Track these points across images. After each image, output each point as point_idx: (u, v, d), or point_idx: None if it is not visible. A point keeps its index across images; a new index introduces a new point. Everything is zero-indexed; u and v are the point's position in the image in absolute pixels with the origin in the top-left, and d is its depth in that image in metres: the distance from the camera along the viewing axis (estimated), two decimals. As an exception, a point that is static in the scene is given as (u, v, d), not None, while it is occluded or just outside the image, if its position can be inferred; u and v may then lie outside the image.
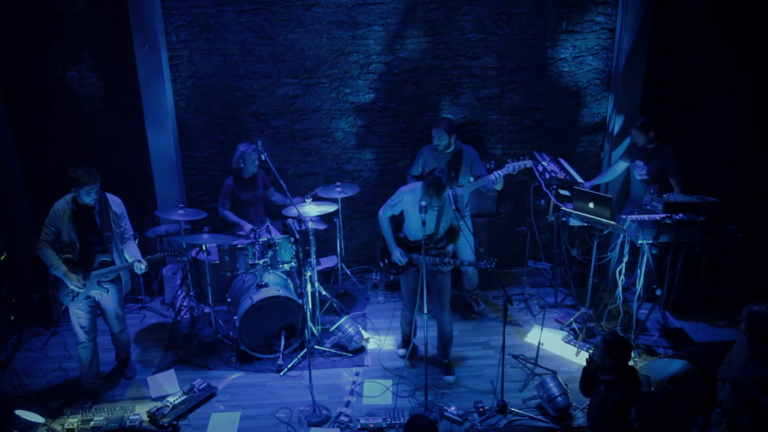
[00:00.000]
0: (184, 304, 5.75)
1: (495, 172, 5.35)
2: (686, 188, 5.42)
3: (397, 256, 4.85)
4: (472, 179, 5.47)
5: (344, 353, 5.39)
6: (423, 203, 4.49)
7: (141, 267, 4.70)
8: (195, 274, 5.69)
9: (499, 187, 5.39)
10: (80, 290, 4.57)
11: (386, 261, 5.00)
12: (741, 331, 3.87)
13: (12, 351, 5.47)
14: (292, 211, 5.50)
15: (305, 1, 5.99)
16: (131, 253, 4.73)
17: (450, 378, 5.05)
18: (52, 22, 5.94)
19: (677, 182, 5.48)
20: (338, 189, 5.90)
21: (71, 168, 4.42)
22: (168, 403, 4.69)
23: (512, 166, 5.37)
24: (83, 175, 4.39)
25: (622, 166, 5.89)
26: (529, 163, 5.42)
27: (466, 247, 5.30)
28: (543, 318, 5.57)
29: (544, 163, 5.63)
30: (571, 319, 5.64)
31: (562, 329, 5.69)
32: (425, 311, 4.57)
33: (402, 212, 4.89)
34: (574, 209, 5.34)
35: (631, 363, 3.94)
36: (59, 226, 4.52)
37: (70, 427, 4.51)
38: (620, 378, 3.75)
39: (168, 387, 4.97)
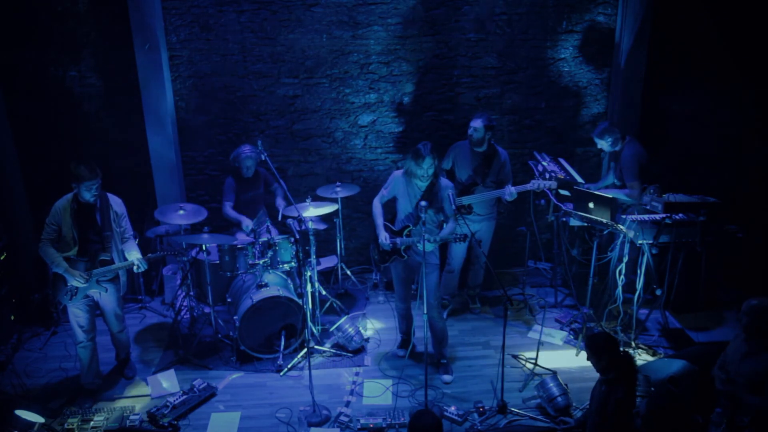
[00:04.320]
0: (184, 304, 5.75)
1: (511, 188, 5.40)
2: (664, 185, 5.35)
3: (382, 239, 4.83)
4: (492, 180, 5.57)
5: (344, 353, 5.39)
6: (423, 203, 4.48)
7: (140, 265, 4.68)
8: (195, 274, 5.69)
9: (511, 198, 5.44)
10: (82, 285, 4.57)
11: (377, 249, 4.98)
12: (740, 328, 3.86)
13: (12, 351, 5.47)
14: (292, 211, 5.50)
15: (305, 1, 5.99)
16: (131, 254, 4.73)
17: (448, 377, 5.05)
18: (52, 22, 5.94)
19: (631, 188, 5.44)
20: (338, 189, 5.90)
21: (74, 163, 4.45)
22: (168, 403, 4.69)
23: (534, 184, 5.40)
24: (85, 171, 4.41)
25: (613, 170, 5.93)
26: (553, 185, 5.42)
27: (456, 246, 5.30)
28: (543, 318, 5.57)
29: (544, 163, 5.64)
30: (571, 318, 5.65)
31: (562, 329, 5.69)
32: (425, 311, 4.56)
33: (395, 200, 4.91)
34: (574, 209, 5.35)
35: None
36: (60, 223, 4.53)
37: (70, 427, 4.51)
38: (621, 375, 3.75)
39: (168, 387, 4.97)
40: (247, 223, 5.69)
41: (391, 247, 4.83)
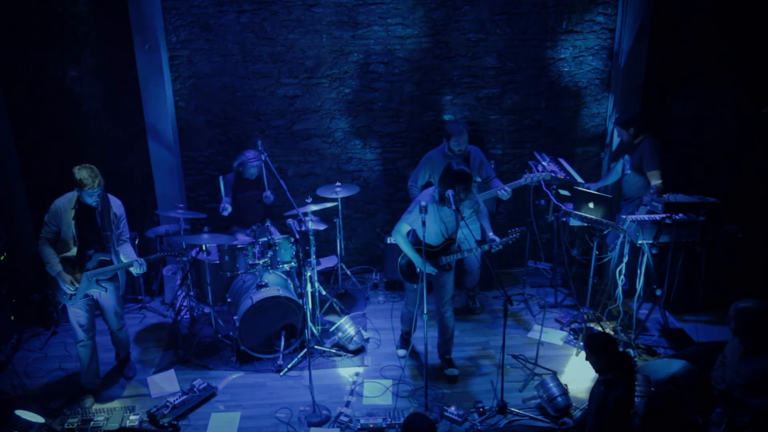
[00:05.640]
0: (184, 304, 5.76)
1: (505, 186, 5.40)
2: (664, 185, 5.39)
3: (431, 269, 4.74)
4: (479, 180, 5.51)
5: (344, 353, 5.39)
6: (423, 203, 4.47)
7: (139, 267, 4.65)
8: (195, 274, 5.69)
9: (507, 196, 5.44)
10: (71, 292, 4.56)
11: (412, 271, 4.92)
12: (730, 331, 3.87)
13: (12, 351, 5.47)
14: (292, 211, 5.50)
15: (305, 1, 5.99)
16: (127, 255, 4.69)
17: (453, 370, 5.05)
18: (52, 22, 5.94)
19: (652, 176, 5.47)
20: (338, 189, 5.90)
21: (77, 168, 4.40)
22: (168, 403, 4.69)
23: (528, 178, 5.44)
24: (87, 178, 4.37)
25: (620, 164, 5.92)
26: (546, 176, 5.44)
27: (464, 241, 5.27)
28: (543, 318, 5.57)
29: (544, 163, 5.64)
30: (571, 318, 5.65)
31: (562, 329, 5.69)
32: (425, 311, 4.57)
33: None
34: (574, 209, 5.35)
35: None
36: (60, 223, 4.50)
37: (70, 427, 4.50)
38: (620, 375, 3.75)
39: (168, 387, 4.97)
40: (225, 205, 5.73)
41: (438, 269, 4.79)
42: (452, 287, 4.97)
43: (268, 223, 5.58)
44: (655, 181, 5.44)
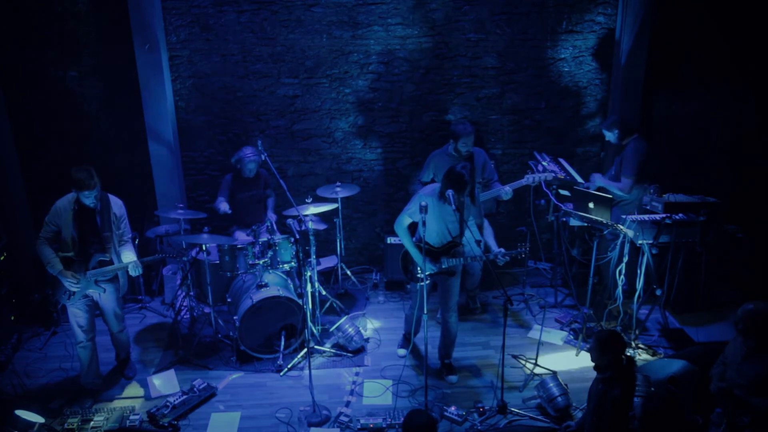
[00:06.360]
0: (184, 304, 5.76)
1: (506, 186, 5.40)
2: (663, 185, 5.36)
3: (429, 267, 4.70)
4: (480, 180, 5.52)
5: (344, 353, 5.39)
6: (423, 203, 4.47)
7: (136, 269, 4.66)
8: (195, 274, 5.69)
9: (507, 197, 5.43)
10: (75, 289, 4.56)
11: (414, 272, 4.88)
12: (736, 331, 3.87)
13: (12, 351, 5.47)
14: (292, 211, 5.50)
15: (305, 1, 5.99)
16: (128, 256, 4.71)
17: (453, 378, 5.05)
18: (52, 22, 5.94)
19: (625, 179, 5.43)
20: (338, 189, 5.90)
21: (74, 169, 4.42)
22: (168, 403, 4.69)
23: (530, 178, 5.43)
24: (83, 179, 4.38)
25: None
26: (548, 177, 5.44)
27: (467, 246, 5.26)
28: (543, 318, 5.57)
29: (544, 163, 5.64)
30: (571, 318, 5.65)
31: (562, 329, 5.69)
32: (425, 311, 4.57)
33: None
34: (574, 209, 5.35)
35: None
36: (60, 224, 4.52)
37: (70, 427, 4.50)
38: (618, 375, 3.74)
39: (168, 387, 4.97)
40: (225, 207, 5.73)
41: (438, 269, 4.76)
42: (457, 292, 4.94)
43: (268, 223, 5.58)
44: (625, 184, 5.41)
